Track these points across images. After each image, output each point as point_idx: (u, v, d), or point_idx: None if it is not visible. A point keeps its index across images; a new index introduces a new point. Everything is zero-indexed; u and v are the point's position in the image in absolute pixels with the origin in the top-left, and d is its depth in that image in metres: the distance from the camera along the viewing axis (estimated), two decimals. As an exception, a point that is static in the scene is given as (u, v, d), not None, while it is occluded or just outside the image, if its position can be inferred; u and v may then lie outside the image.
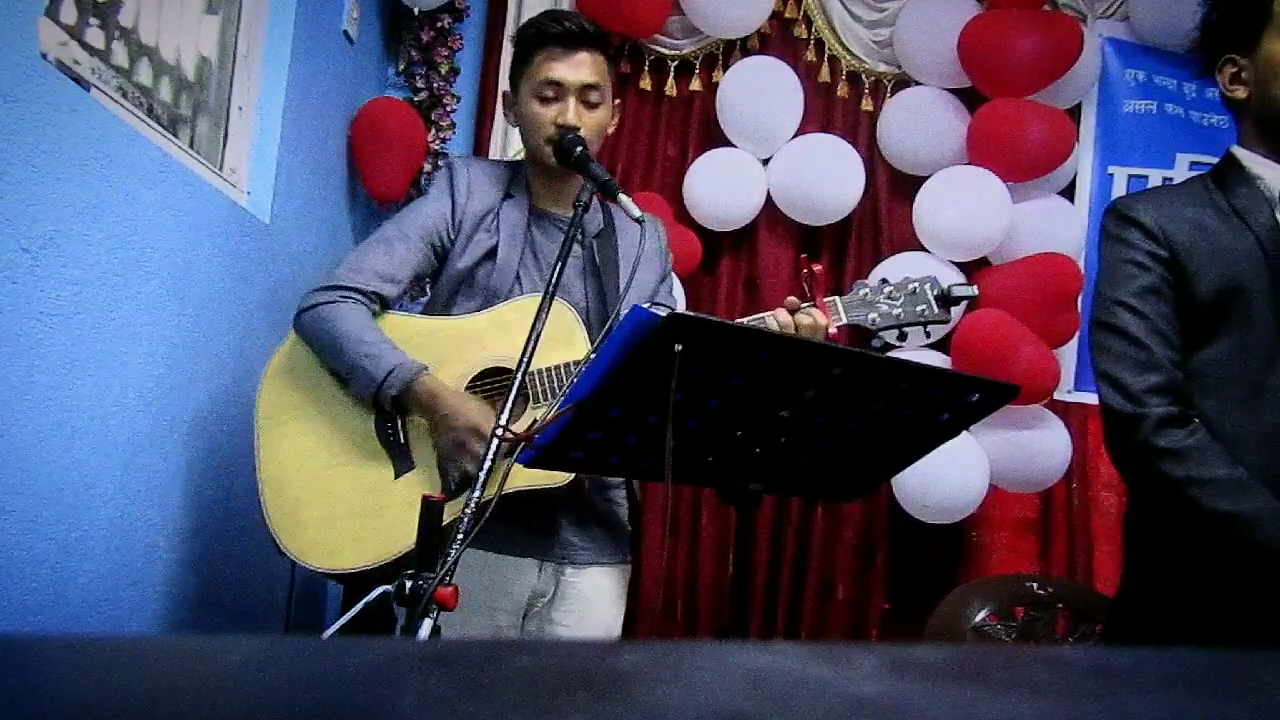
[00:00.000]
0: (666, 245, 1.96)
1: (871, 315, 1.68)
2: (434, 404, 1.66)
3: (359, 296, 1.75)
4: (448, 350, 1.75)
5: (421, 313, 1.90)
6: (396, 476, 1.71)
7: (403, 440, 1.72)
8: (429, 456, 1.71)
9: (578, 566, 1.79)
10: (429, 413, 1.68)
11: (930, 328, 1.71)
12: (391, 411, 1.71)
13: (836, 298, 1.69)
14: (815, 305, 1.66)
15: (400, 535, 1.65)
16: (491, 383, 1.74)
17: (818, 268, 1.68)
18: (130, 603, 1.85)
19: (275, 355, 1.80)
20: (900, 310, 1.68)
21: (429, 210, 1.83)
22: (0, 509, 1.50)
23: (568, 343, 1.69)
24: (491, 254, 1.80)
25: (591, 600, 1.80)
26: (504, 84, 2.07)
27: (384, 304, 1.79)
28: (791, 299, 1.66)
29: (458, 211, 1.82)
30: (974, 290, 1.71)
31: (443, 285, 1.83)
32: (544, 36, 1.80)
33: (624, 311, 1.38)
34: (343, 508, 1.70)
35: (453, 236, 1.82)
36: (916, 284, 1.69)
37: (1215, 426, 1.42)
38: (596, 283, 1.84)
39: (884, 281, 1.71)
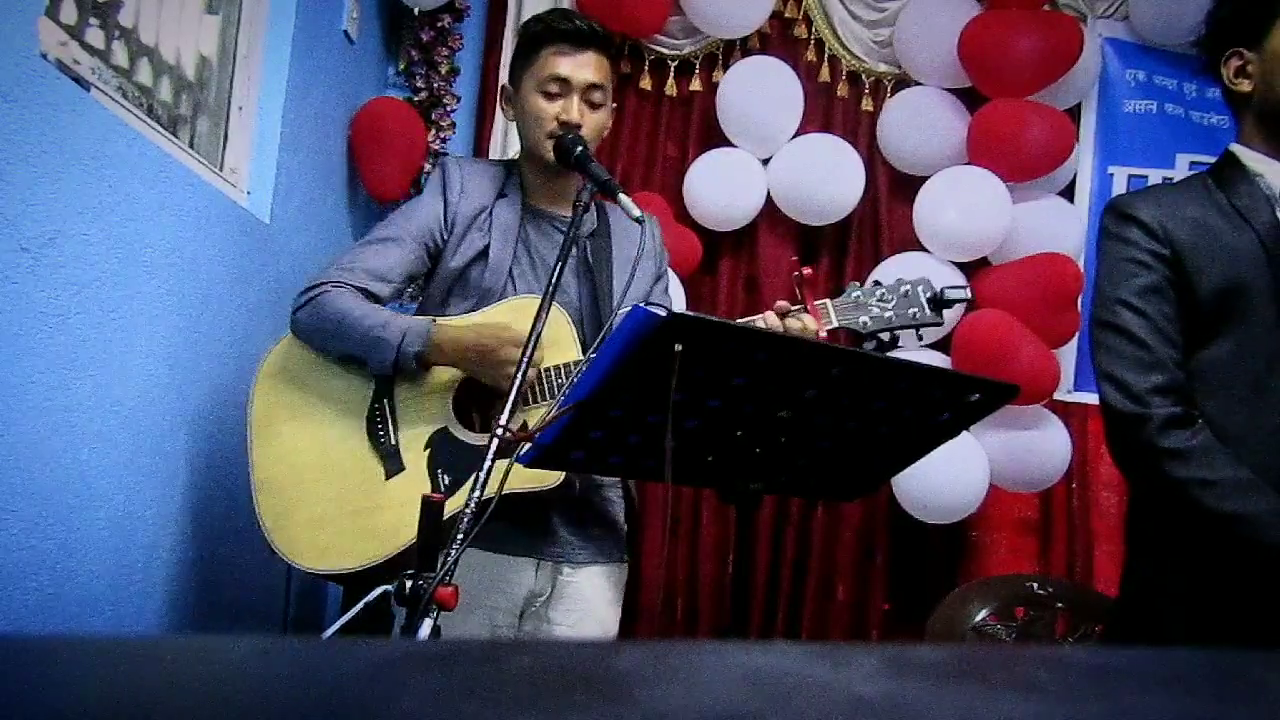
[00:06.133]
0: (662, 244, 1.96)
1: (863, 318, 1.66)
2: (457, 346, 1.69)
3: (351, 288, 1.76)
4: None
5: (415, 313, 1.90)
6: (387, 478, 1.71)
7: (393, 442, 1.73)
8: (419, 458, 1.71)
9: (575, 566, 1.79)
10: (456, 355, 1.70)
11: (923, 330, 1.70)
12: (418, 370, 1.72)
13: (828, 301, 1.68)
14: (806, 309, 1.64)
15: (391, 536, 1.66)
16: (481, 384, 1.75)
17: (807, 271, 1.67)
18: (130, 602, 1.85)
19: (268, 357, 1.81)
20: (892, 313, 1.66)
21: (422, 210, 1.83)
22: (0, 509, 1.50)
23: (557, 343, 1.69)
24: (484, 254, 1.80)
25: (589, 600, 1.80)
26: (504, 79, 2.06)
27: (376, 303, 1.79)
28: (781, 303, 1.65)
29: (450, 211, 1.82)
30: (967, 293, 1.68)
31: (436, 285, 1.83)
32: (553, 32, 1.80)
33: (622, 312, 1.38)
34: (334, 509, 1.70)
35: (446, 236, 1.82)
36: (909, 286, 1.67)
37: (1218, 426, 1.41)
38: (590, 282, 1.84)
39: (876, 283, 1.69)
